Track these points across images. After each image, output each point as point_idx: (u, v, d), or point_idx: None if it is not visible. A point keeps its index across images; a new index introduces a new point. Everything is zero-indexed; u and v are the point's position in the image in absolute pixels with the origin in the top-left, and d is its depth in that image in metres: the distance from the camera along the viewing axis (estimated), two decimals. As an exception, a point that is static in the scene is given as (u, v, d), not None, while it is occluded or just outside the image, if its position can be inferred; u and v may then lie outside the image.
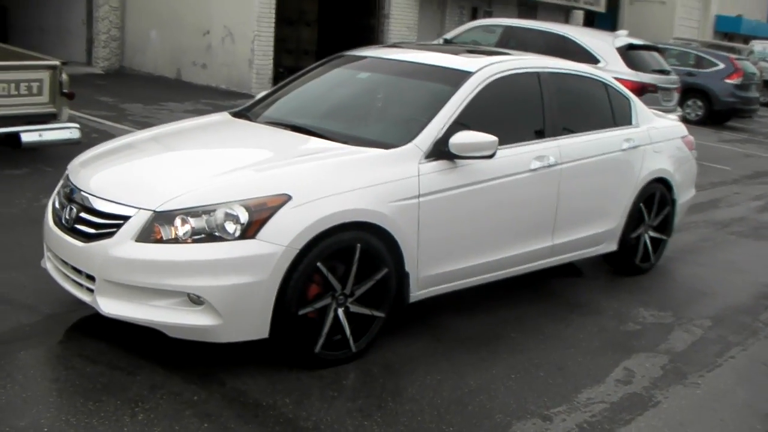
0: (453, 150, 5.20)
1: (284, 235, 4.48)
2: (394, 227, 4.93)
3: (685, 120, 18.00)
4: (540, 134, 5.98)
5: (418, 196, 5.06)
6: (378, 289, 4.96)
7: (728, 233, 9.15)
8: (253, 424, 4.18)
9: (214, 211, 4.49)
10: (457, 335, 5.49)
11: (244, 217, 4.46)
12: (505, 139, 5.65)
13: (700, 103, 19.77)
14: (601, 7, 25.09)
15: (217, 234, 4.47)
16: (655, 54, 13.46)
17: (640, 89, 12.00)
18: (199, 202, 4.54)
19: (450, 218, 5.29)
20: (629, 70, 12.24)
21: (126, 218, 4.58)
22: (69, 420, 4.08)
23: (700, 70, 19.90)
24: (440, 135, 5.26)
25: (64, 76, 9.15)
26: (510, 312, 5.97)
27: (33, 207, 7.29)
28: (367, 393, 4.65)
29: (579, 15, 25.45)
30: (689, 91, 19.12)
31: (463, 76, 5.66)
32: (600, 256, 6.88)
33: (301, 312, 4.64)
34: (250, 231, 4.45)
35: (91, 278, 4.68)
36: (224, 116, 6.25)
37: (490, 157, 5.24)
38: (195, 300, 4.45)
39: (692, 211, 9.85)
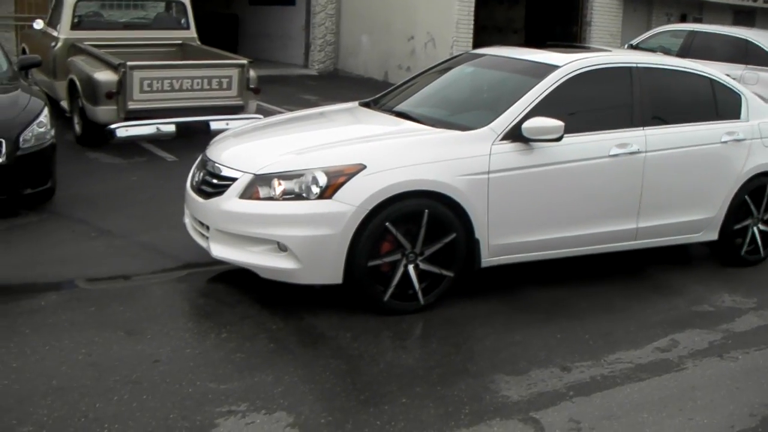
0: (525, 133, 5.94)
1: (356, 197, 5.44)
2: (463, 198, 5.74)
3: None
4: (626, 124, 6.53)
5: (488, 173, 5.84)
6: (447, 251, 5.79)
7: None
8: (309, 348, 5.16)
9: (302, 175, 5.51)
10: (527, 302, 6.18)
11: (323, 180, 5.45)
12: (586, 127, 6.32)
13: None
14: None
15: (303, 194, 5.48)
16: None
17: (822, 92, 11.86)
18: (290, 167, 5.61)
19: (521, 193, 6.01)
20: (811, 73, 12.15)
21: (234, 180, 5.70)
22: (168, 332, 5.25)
23: None
24: (516, 120, 6.00)
25: (252, 73, 10.56)
26: (588, 287, 6.56)
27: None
28: (418, 336, 5.51)
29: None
30: None
31: (549, 69, 6.37)
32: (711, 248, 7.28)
33: (371, 264, 5.55)
34: (327, 192, 5.45)
35: (207, 228, 5.84)
36: (353, 105, 7.31)
37: (558, 140, 5.92)
38: (282, 247, 5.48)
39: None
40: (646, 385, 5.02)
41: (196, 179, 6.13)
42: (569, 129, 5.99)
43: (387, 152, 5.73)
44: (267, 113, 10.77)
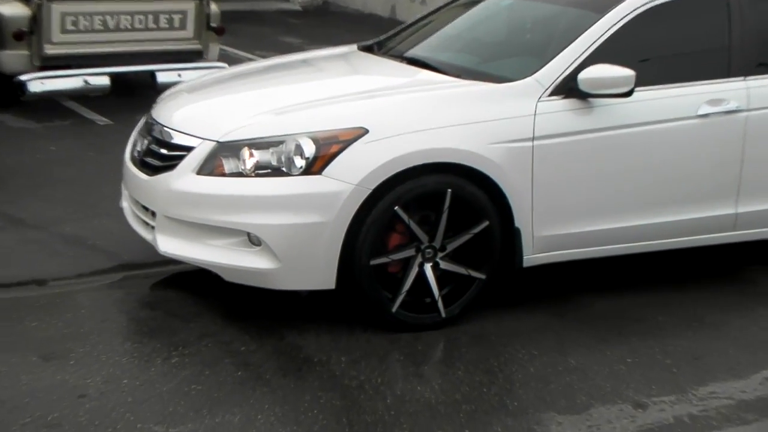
0: (582, 86, 5.85)
1: (354, 173, 5.37)
2: (498, 173, 5.67)
3: None
4: (721, 73, 6.44)
5: (532, 139, 5.77)
6: (477, 245, 5.73)
7: None
8: (291, 377, 5.09)
9: (282, 142, 5.44)
10: (586, 313, 6.13)
11: (310, 150, 5.38)
12: (665, 77, 6.27)
13: None
14: None
15: (283, 169, 5.41)
16: None
17: None
18: (265, 132, 5.55)
19: (577, 167, 5.95)
20: None
21: (190, 149, 5.64)
22: (99, 356, 5.20)
23: None
24: (571, 69, 5.93)
25: (213, 8, 10.50)
26: (667, 294, 6.49)
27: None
28: (438, 360, 5.47)
29: None
30: None
31: (614, 0, 6.28)
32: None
33: (375, 262, 5.49)
34: (315, 166, 5.38)
35: (153, 215, 5.79)
36: (350, 49, 7.28)
37: (627, 95, 5.83)
38: (254, 240, 5.41)
39: None
40: (755, 429, 4.95)
41: (138, 149, 6.10)
42: (642, 80, 5.92)
43: (396, 112, 5.69)
44: (234, 61, 10.71)
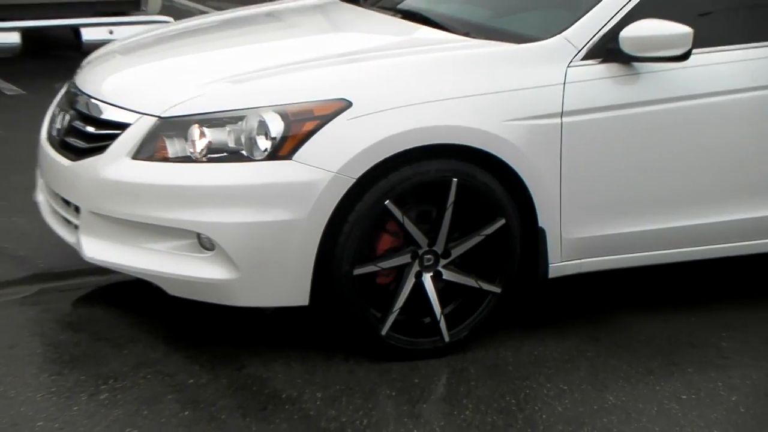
0: (625, 47, 5.82)
1: (334, 157, 5.34)
2: (518, 158, 5.64)
3: None
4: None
5: (561, 114, 5.74)
6: (491, 250, 5.71)
7: None
8: (252, 418, 5.06)
9: (241, 119, 5.42)
10: (628, 337, 6.11)
11: (277, 128, 5.35)
12: (731, 36, 6.25)
13: None
14: None
15: (243, 152, 5.38)
16: None
17: None
18: (221, 106, 5.53)
19: (619, 151, 5.92)
20: None
21: (124, 127, 5.61)
22: (7, 393, 5.16)
23: None
24: (610, 25, 5.89)
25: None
26: (733, 314, 6.48)
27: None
28: (441, 397, 5.44)
29: None
30: None
31: (667, -65, 6.26)
32: None
33: (359, 272, 5.46)
34: (284, 148, 5.35)
35: (77, 210, 5.76)
36: (329, -1, 7.26)
37: (682, 58, 5.80)
38: (205, 243, 5.38)
39: None
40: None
41: (58, 127, 6.07)
42: (701, 40, 5.89)
43: (387, 80, 5.67)
44: (180, 14, 10.68)
